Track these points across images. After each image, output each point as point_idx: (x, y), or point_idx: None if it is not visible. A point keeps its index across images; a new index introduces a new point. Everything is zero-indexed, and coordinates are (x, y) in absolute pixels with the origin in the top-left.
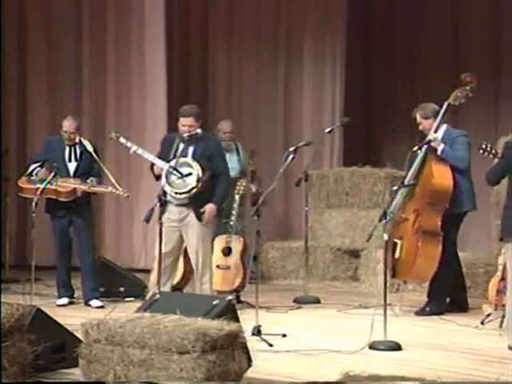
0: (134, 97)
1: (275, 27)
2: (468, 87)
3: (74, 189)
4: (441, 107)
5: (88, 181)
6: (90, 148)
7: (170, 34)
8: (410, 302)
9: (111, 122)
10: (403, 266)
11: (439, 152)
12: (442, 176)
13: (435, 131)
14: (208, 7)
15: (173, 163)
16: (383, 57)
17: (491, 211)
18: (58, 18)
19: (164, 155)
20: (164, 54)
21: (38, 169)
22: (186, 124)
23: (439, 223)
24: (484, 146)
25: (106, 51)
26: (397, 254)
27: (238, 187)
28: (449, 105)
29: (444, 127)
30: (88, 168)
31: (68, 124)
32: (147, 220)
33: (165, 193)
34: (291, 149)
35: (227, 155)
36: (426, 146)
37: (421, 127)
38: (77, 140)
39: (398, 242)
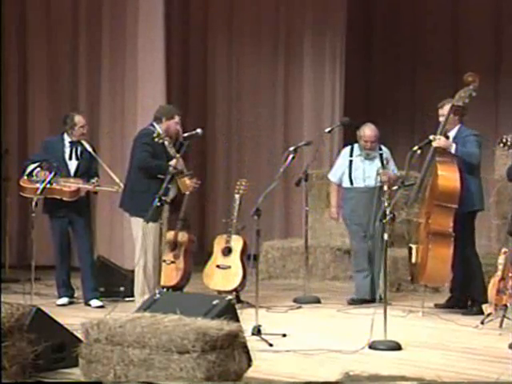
0: (131, 96)
1: (275, 27)
2: (471, 86)
3: (78, 188)
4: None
5: (93, 180)
6: (88, 148)
7: (169, 33)
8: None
9: (107, 121)
10: (419, 270)
11: (453, 151)
12: (447, 177)
13: (445, 133)
14: (208, 4)
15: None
16: (383, 56)
17: (491, 211)
18: (57, 20)
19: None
20: (163, 53)
21: (38, 169)
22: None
23: (450, 224)
24: (504, 140)
25: (102, 51)
26: (413, 259)
27: (237, 187)
28: (452, 105)
29: (457, 127)
30: (88, 167)
31: (82, 119)
32: (148, 221)
33: (166, 192)
34: (291, 149)
35: (366, 162)
36: (433, 149)
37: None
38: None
39: (414, 246)
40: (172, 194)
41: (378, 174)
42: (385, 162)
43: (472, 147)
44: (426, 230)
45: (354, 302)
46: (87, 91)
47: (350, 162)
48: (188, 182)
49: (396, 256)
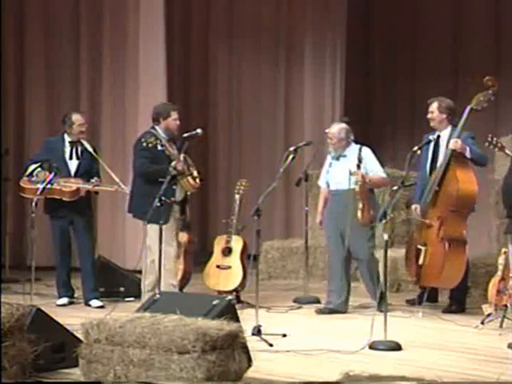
0: (132, 96)
1: (275, 27)
2: (490, 91)
3: (78, 188)
4: (463, 112)
5: (93, 180)
6: (89, 147)
7: (170, 33)
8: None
9: (108, 121)
10: (429, 272)
11: (468, 154)
12: (467, 181)
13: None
14: (209, 4)
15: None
16: (383, 57)
17: (491, 211)
18: (56, 21)
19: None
20: (164, 53)
21: (38, 169)
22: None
23: (465, 230)
24: (490, 139)
25: (103, 53)
26: (421, 261)
27: (237, 187)
28: (471, 109)
29: (449, 128)
30: (88, 167)
31: (80, 117)
32: (148, 221)
33: (172, 193)
34: (291, 149)
35: (335, 164)
36: (449, 152)
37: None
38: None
39: (422, 248)
40: (179, 194)
41: (350, 174)
42: (363, 161)
43: (476, 149)
44: (441, 235)
45: (321, 312)
46: (88, 91)
47: (330, 164)
48: (191, 182)
49: (396, 256)
